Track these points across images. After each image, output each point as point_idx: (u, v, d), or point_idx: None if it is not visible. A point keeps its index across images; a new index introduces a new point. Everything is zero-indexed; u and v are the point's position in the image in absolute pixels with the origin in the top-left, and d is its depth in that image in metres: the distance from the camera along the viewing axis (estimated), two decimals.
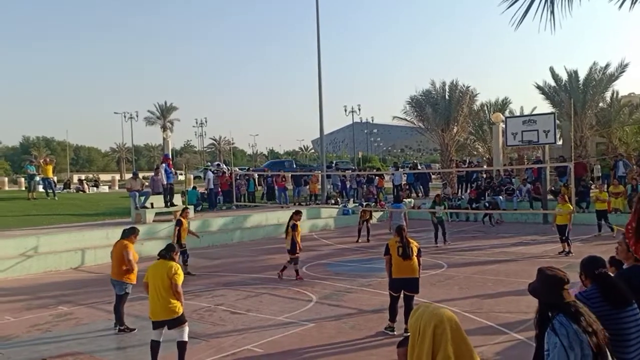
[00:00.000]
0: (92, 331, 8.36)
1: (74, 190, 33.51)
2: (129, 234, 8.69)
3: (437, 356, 2.50)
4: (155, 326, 6.42)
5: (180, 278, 6.41)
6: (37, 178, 26.38)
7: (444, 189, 24.87)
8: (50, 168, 25.10)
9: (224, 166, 30.06)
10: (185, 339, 6.35)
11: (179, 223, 12.74)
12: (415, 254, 7.69)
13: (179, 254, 6.84)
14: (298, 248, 11.62)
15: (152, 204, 18.98)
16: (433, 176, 33.56)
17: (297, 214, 12.06)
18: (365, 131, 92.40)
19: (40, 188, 26.00)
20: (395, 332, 7.67)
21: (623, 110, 30.94)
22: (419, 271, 7.78)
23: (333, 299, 9.95)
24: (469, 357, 2.53)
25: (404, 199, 25.43)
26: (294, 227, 11.69)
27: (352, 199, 26.36)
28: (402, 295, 7.74)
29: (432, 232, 16.52)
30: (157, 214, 18.80)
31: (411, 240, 7.82)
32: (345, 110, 67.10)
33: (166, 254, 6.57)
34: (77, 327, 8.61)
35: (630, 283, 3.88)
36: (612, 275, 3.96)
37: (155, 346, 6.45)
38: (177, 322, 6.35)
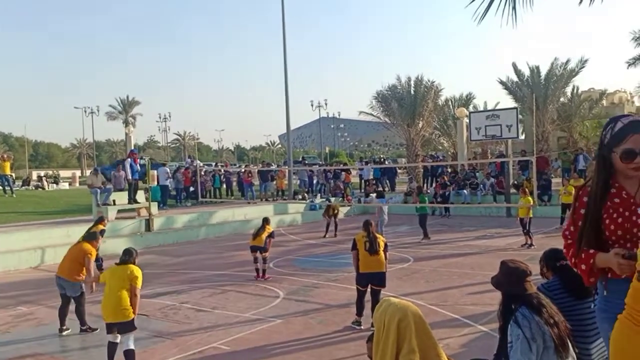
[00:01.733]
0: (53, 332, 8.13)
1: (33, 187, 32.60)
2: (92, 238, 8.39)
3: (402, 349, 2.52)
4: (108, 329, 6.25)
5: (140, 282, 6.29)
6: None
7: (410, 183, 25.11)
8: (7, 165, 24.35)
9: (199, 162, 29.64)
10: (132, 347, 6.12)
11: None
12: (382, 248, 7.76)
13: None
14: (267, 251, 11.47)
15: (114, 200, 18.61)
16: (399, 171, 33.83)
17: (269, 222, 11.90)
18: (332, 126, 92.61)
19: None
20: (362, 327, 7.70)
21: (583, 105, 31.73)
22: (386, 266, 7.84)
23: (300, 295, 9.93)
24: (432, 350, 2.56)
25: (371, 194, 25.66)
26: (272, 235, 11.62)
27: (319, 194, 26.39)
28: (369, 290, 7.77)
29: (413, 226, 16.49)
30: (119, 210, 18.44)
31: (378, 235, 7.89)
32: (312, 105, 67.21)
33: (128, 259, 6.39)
34: (38, 328, 8.37)
35: None
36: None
37: (111, 347, 6.27)
38: (126, 326, 6.15)
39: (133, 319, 6.19)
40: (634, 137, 2.46)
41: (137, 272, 6.31)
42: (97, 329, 7.97)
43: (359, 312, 7.79)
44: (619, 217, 2.52)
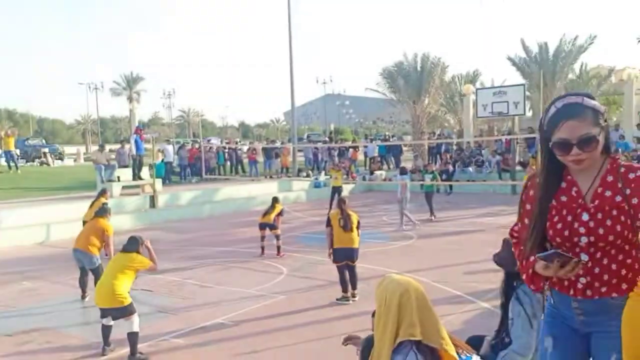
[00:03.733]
0: (58, 307, 8.21)
1: (38, 164, 32.72)
2: (104, 212, 8.66)
3: (402, 323, 2.54)
4: (102, 314, 6.20)
5: (146, 265, 6.34)
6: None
7: (416, 160, 25.03)
8: (12, 140, 24.40)
9: (214, 141, 29.75)
10: (135, 329, 6.04)
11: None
12: (355, 225, 7.99)
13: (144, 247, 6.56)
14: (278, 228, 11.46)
15: (118, 177, 18.63)
16: (404, 148, 33.71)
17: (279, 201, 11.84)
18: (338, 103, 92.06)
19: (3, 161, 25.31)
20: (350, 302, 7.85)
21: (591, 81, 31.37)
22: (359, 242, 8.08)
23: (304, 271, 9.96)
24: (433, 325, 2.57)
25: (375, 171, 25.63)
26: (282, 213, 11.61)
27: (323, 172, 26.37)
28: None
29: (417, 203, 16.30)
30: (124, 187, 18.48)
31: (351, 213, 8.09)
32: (317, 82, 66.78)
33: (131, 248, 6.31)
34: (43, 303, 8.43)
35: None
36: None
37: (105, 330, 6.23)
38: (122, 312, 6.04)
39: (130, 303, 6.08)
40: (567, 123, 2.03)
41: (141, 259, 6.32)
42: None
43: (344, 288, 7.98)
44: (560, 221, 2.14)
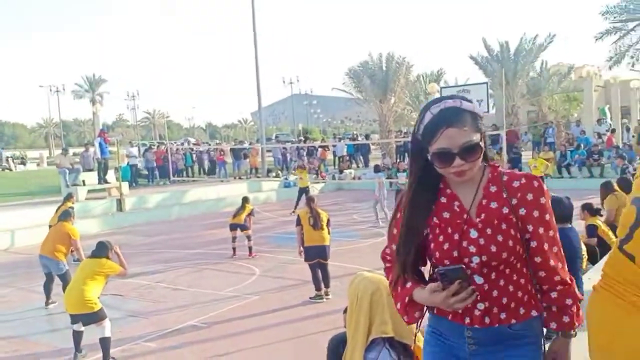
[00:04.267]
0: (25, 314, 8.04)
1: (0, 169, 31.84)
2: (67, 216, 8.52)
3: (374, 321, 2.59)
4: (72, 320, 6.11)
5: (117, 270, 6.28)
6: None
7: (384, 159, 25.23)
8: None
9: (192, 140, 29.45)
10: (107, 334, 5.97)
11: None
12: (325, 223, 8.07)
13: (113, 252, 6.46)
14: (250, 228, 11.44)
15: (83, 181, 18.30)
16: (372, 147, 33.95)
17: (248, 201, 11.81)
18: (305, 102, 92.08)
19: None
20: (324, 300, 7.90)
21: (552, 79, 32.09)
22: (330, 240, 8.15)
23: (276, 271, 9.97)
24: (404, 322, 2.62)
25: (345, 170, 25.75)
26: (252, 214, 11.62)
27: (293, 172, 26.37)
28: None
29: (388, 201, 16.30)
30: (89, 191, 18.15)
31: (320, 211, 8.16)
32: (284, 82, 66.66)
33: (99, 254, 6.23)
34: (9, 310, 8.25)
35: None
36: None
37: (76, 336, 6.13)
38: (93, 318, 5.95)
39: (101, 309, 5.99)
40: (447, 131, 1.74)
41: (111, 264, 6.23)
42: None
43: (317, 287, 8.03)
44: (446, 241, 1.82)
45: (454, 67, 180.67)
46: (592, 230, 6.77)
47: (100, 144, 18.47)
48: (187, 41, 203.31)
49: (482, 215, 1.82)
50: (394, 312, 2.56)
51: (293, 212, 16.81)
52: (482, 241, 1.80)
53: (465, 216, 1.83)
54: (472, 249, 1.80)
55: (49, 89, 64.12)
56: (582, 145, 21.44)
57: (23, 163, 37.35)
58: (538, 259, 1.84)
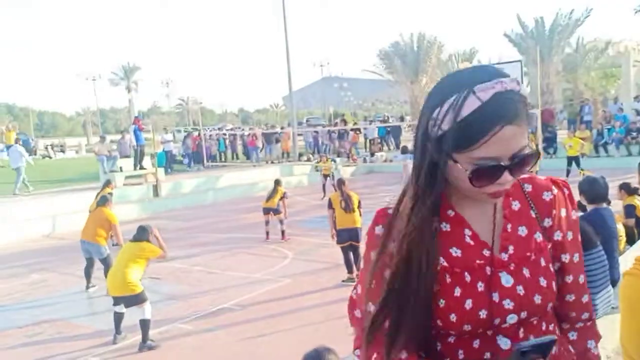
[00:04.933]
0: (67, 298, 8.33)
1: (41, 157, 32.78)
2: (105, 201, 8.76)
3: None
4: (114, 302, 6.38)
5: (156, 253, 6.47)
6: (0, 145, 25.71)
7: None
8: (12, 135, 24.43)
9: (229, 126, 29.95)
10: (147, 317, 6.19)
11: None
12: (356, 206, 8.16)
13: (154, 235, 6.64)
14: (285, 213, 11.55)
15: (121, 167, 18.70)
16: (404, 129, 33.69)
17: (280, 183, 11.90)
18: (336, 85, 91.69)
19: (5, 156, 25.32)
20: (355, 283, 7.88)
21: (588, 55, 31.25)
22: (361, 222, 8.21)
23: (309, 255, 10.06)
24: None
25: (376, 153, 25.66)
26: (285, 196, 11.70)
27: (319, 155, 26.39)
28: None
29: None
30: (127, 177, 18.55)
31: (351, 194, 8.25)
32: (314, 65, 66.42)
33: (141, 237, 6.42)
34: (52, 294, 8.56)
35: (594, 227, 3.99)
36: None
37: (117, 317, 6.39)
38: (134, 300, 6.18)
39: (142, 291, 6.23)
40: (503, 131, 1.08)
41: (152, 247, 6.44)
42: None
43: (350, 270, 8.12)
44: (466, 295, 1.18)
45: (487, 45, 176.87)
46: (630, 210, 6.61)
47: (135, 131, 18.81)
48: (219, 27, 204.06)
49: (511, 249, 1.21)
50: None
51: (323, 197, 16.86)
52: (520, 290, 1.19)
53: (486, 252, 1.21)
54: (509, 304, 1.18)
55: (86, 77, 65.43)
56: (619, 122, 20.84)
57: (62, 151, 38.37)
58: (571, 298, 1.31)
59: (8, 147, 24.49)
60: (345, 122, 32.44)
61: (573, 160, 16.88)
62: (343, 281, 8.08)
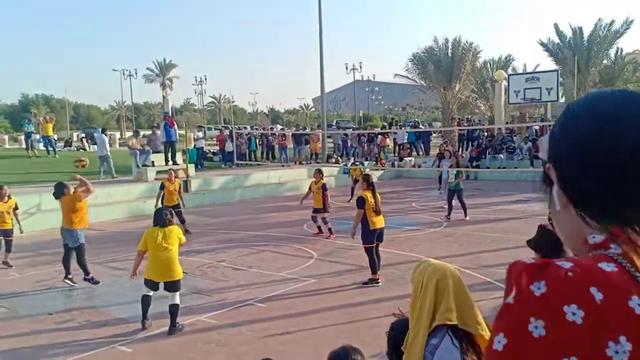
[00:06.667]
0: (96, 286, 8.51)
1: (75, 148, 33.50)
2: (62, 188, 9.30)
3: (439, 308, 2.59)
4: (150, 285, 6.57)
5: (182, 237, 6.89)
6: (37, 136, 26.35)
7: (444, 144, 24.79)
8: (50, 126, 25.04)
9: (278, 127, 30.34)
10: (178, 302, 6.51)
11: (161, 187, 12.88)
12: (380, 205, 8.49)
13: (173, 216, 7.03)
14: (328, 205, 11.87)
15: (152, 162, 19.00)
16: (433, 135, 33.44)
17: (321, 172, 12.21)
18: (367, 89, 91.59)
19: (41, 146, 25.98)
20: (380, 284, 8.00)
21: (627, 67, 30.65)
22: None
23: (333, 256, 10.08)
24: (470, 310, 2.60)
25: (405, 158, 25.53)
26: (325, 187, 11.89)
27: (353, 158, 26.38)
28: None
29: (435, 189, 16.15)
30: (158, 172, 18.82)
31: (378, 195, 8.52)
32: (347, 68, 66.39)
33: (164, 221, 6.68)
34: (81, 283, 8.74)
35: None
36: None
37: (146, 300, 6.60)
38: (177, 285, 6.57)
39: (181, 277, 6.66)
40: None
41: (180, 232, 6.89)
42: (99, 282, 8.55)
43: (374, 270, 8.15)
44: None
45: (522, 53, 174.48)
46: None
47: (164, 127, 19.10)
48: (253, 29, 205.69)
49: None
50: (459, 300, 2.57)
51: (350, 200, 16.82)
52: None
53: None
54: None
55: (122, 72, 66.61)
56: None
57: (95, 143, 39.10)
58: None
59: (45, 137, 25.15)
60: (391, 124, 32.34)
61: None
62: (364, 283, 8.06)
